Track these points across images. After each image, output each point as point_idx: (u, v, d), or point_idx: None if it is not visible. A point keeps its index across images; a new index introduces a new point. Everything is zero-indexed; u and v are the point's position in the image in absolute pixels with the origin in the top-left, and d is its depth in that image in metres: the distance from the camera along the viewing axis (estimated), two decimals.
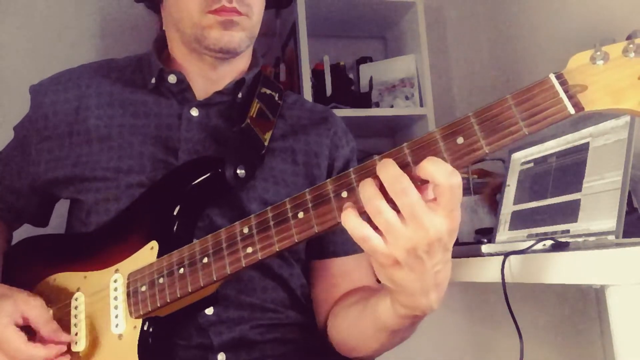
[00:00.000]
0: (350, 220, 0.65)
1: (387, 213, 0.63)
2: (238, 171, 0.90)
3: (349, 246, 1.03)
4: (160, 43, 1.08)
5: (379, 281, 0.75)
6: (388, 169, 0.63)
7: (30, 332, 0.86)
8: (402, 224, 0.63)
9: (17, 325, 0.85)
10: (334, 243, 1.04)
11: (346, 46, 2.33)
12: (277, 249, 0.73)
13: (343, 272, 1.03)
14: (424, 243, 0.63)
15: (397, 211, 0.63)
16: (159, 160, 0.95)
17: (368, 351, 0.92)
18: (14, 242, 1.10)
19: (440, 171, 0.62)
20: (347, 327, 0.93)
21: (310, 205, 0.71)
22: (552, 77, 0.63)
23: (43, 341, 0.86)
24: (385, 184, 0.63)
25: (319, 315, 1.03)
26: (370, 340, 0.88)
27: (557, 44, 1.90)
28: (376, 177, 0.65)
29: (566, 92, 0.62)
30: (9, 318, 0.84)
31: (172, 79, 1.00)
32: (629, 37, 0.61)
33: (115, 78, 1.04)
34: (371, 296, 0.87)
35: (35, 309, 0.86)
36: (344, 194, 0.68)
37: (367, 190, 0.64)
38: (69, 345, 0.88)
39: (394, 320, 0.78)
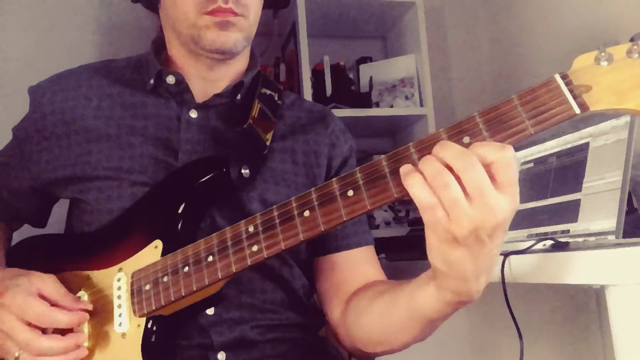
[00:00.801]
0: (418, 186, 0.63)
1: (455, 188, 0.61)
2: (242, 171, 0.91)
3: (352, 239, 1.03)
4: (159, 44, 1.08)
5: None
6: (451, 147, 0.62)
7: None
8: (468, 203, 0.62)
9: None
10: (335, 237, 1.03)
11: (346, 46, 2.33)
12: (283, 247, 0.73)
13: (350, 266, 1.02)
14: (489, 226, 0.62)
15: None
16: (160, 161, 0.96)
17: (396, 344, 0.90)
18: (15, 242, 1.10)
19: (490, 149, 0.61)
20: (373, 320, 0.91)
21: (316, 203, 0.71)
22: (558, 77, 0.64)
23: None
24: (450, 161, 0.62)
25: (330, 312, 1.02)
26: (402, 332, 0.86)
27: (557, 44, 1.90)
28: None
29: (571, 92, 0.62)
30: (27, 291, 0.83)
31: (170, 80, 1.00)
32: (632, 39, 0.62)
33: (115, 79, 1.04)
34: (400, 287, 0.85)
35: (50, 285, 0.85)
36: (350, 193, 0.69)
37: (434, 164, 0.62)
38: None
39: (437, 308, 0.76)
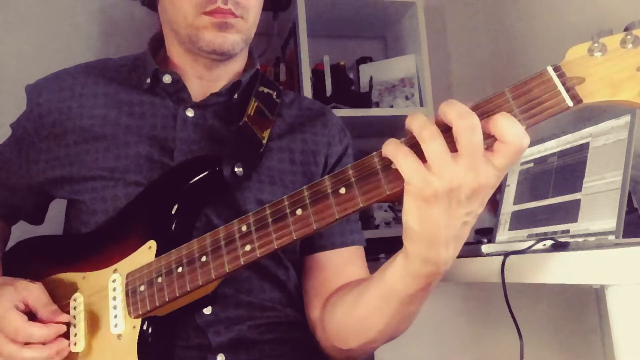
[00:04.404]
0: (391, 142, 0.64)
1: (440, 141, 0.61)
2: (236, 169, 0.90)
3: (337, 238, 1.02)
4: (157, 42, 1.07)
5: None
6: (457, 105, 0.62)
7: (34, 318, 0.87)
8: (453, 160, 0.61)
9: (19, 310, 0.86)
10: (321, 236, 1.01)
11: (346, 46, 2.34)
12: (276, 247, 0.73)
13: (333, 265, 1.01)
14: (470, 187, 0.62)
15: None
16: (155, 160, 0.95)
17: (370, 333, 0.86)
18: (14, 243, 1.10)
19: (513, 130, 0.61)
20: (345, 310, 0.89)
21: (308, 202, 0.71)
22: (550, 69, 0.63)
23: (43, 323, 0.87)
24: (451, 120, 0.61)
25: (310, 312, 1.00)
26: (373, 317, 0.83)
27: (558, 45, 1.90)
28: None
29: (564, 84, 0.61)
30: (10, 303, 0.86)
31: (167, 79, 1.00)
32: (626, 29, 0.61)
33: (111, 78, 1.04)
34: (373, 274, 0.84)
35: (33, 293, 0.88)
36: (342, 190, 0.69)
37: (420, 118, 0.62)
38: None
39: (405, 281, 0.74)
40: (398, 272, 0.75)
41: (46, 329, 0.85)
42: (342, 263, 1.01)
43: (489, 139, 0.62)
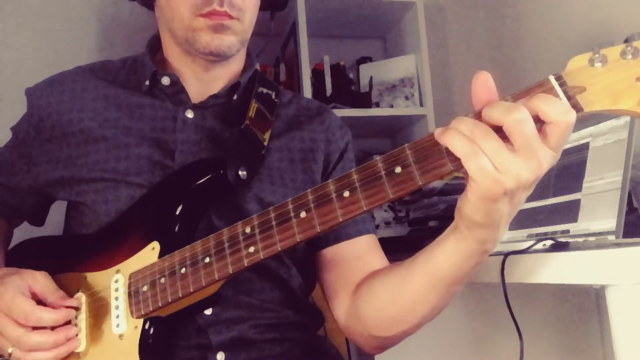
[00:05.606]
0: (456, 138, 0.62)
1: (495, 137, 0.61)
2: (240, 172, 0.91)
3: (351, 228, 1.01)
4: (155, 44, 1.08)
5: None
6: (501, 104, 0.62)
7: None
8: (512, 153, 0.61)
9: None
10: (334, 229, 1.01)
11: (346, 46, 2.34)
12: (279, 249, 0.74)
13: (354, 255, 0.99)
14: (535, 176, 0.62)
15: None
16: (156, 162, 0.96)
17: (414, 319, 0.86)
18: (15, 243, 1.10)
19: (555, 109, 0.61)
20: (387, 297, 0.87)
21: (312, 205, 0.72)
22: (552, 78, 0.64)
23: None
24: (499, 119, 0.61)
25: (337, 305, 0.99)
26: (420, 303, 0.83)
27: (557, 45, 1.90)
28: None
29: (565, 93, 0.63)
30: (17, 289, 0.86)
31: (165, 81, 1.00)
32: (626, 40, 0.62)
33: (110, 80, 1.04)
34: (414, 257, 0.83)
35: (40, 281, 0.88)
36: (346, 194, 0.70)
37: (467, 120, 0.62)
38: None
39: (457, 263, 0.75)
40: (450, 254, 0.75)
41: (55, 313, 0.85)
42: (362, 252, 1.00)
43: (537, 123, 0.62)
